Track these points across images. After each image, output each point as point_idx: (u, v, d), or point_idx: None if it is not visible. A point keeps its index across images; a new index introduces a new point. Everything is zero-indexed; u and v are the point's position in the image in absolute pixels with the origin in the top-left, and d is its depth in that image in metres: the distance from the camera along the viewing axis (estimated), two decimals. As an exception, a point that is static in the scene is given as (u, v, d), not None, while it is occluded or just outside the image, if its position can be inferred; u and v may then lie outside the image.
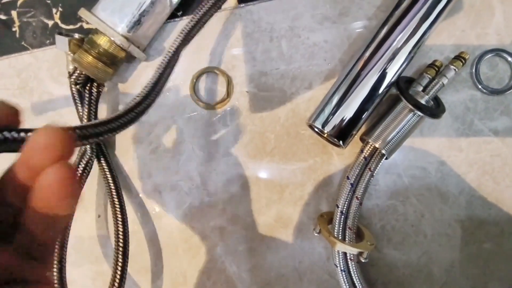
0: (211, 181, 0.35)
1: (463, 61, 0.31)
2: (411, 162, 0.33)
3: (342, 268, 0.31)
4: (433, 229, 0.33)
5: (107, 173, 0.34)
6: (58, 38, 0.31)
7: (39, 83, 0.37)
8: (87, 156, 0.32)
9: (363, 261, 0.31)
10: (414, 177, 0.33)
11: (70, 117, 0.36)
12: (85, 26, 0.36)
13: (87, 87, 0.32)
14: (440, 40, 0.33)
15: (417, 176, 0.33)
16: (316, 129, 0.33)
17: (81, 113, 0.32)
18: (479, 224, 0.32)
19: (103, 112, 0.36)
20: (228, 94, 0.34)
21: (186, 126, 0.35)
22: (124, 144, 0.36)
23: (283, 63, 0.35)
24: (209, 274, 0.36)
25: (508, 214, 0.32)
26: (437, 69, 0.32)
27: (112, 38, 0.29)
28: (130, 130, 0.36)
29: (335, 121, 0.30)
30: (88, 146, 0.32)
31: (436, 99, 0.32)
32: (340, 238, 0.31)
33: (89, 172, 0.33)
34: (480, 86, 0.33)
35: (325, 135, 0.33)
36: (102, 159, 0.34)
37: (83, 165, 0.32)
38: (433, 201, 0.33)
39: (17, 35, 0.37)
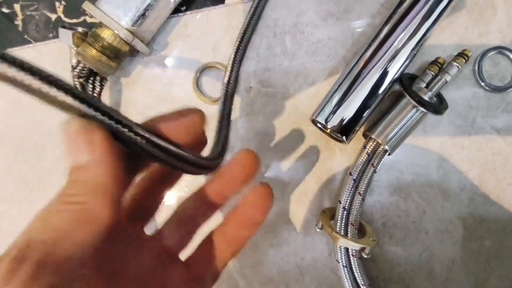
0: (214, 176, 0.35)
1: (466, 58, 0.31)
2: (413, 159, 0.33)
3: (344, 264, 0.31)
4: (434, 226, 0.33)
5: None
6: (61, 31, 0.31)
7: (42, 77, 0.37)
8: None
9: (365, 257, 0.31)
10: (416, 174, 0.33)
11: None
12: (89, 20, 0.36)
13: (90, 81, 0.32)
14: (443, 37, 0.33)
15: (419, 173, 0.33)
16: (319, 125, 0.33)
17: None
18: (480, 222, 0.33)
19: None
20: (232, 89, 0.34)
21: (189, 121, 0.35)
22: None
23: (287, 59, 0.35)
24: (211, 269, 0.36)
25: (509, 211, 0.32)
26: (440, 66, 0.32)
27: (116, 32, 0.29)
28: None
29: (338, 116, 0.30)
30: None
31: (439, 96, 0.32)
32: (342, 233, 0.31)
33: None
34: (482, 84, 0.33)
35: (328, 131, 0.33)
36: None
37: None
38: (435, 198, 0.33)
39: (20, 29, 0.37)
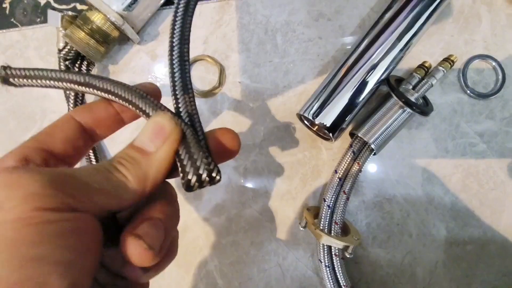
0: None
1: (451, 64, 0.32)
2: (398, 160, 0.33)
3: (327, 264, 0.31)
4: (418, 228, 0.33)
5: (91, 156, 0.33)
6: (50, 13, 0.30)
7: (26, 61, 0.36)
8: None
9: (348, 256, 0.30)
10: (400, 176, 0.33)
11: (55, 94, 0.35)
12: (79, 7, 0.35)
13: (77, 65, 0.31)
14: (430, 43, 0.34)
15: (404, 174, 0.33)
16: (306, 121, 0.33)
17: (68, 92, 0.31)
18: (463, 226, 0.33)
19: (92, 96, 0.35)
20: (220, 83, 0.34)
21: (175, 113, 0.35)
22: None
23: (277, 56, 0.35)
24: (188, 267, 0.34)
25: (491, 217, 0.33)
26: (426, 69, 0.32)
27: (107, 15, 0.29)
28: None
29: (325, 113, 0.30)
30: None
31: (425, 99, 0.33)
32: (326, 231, 0.30)
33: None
34: (467, 90, 0.33)
35: (315, 128, 0.33)
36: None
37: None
38: (419, 201, 0.33)
39: (7, 12, 0.37)
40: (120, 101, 0.17)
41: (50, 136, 0.17)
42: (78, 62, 0.31)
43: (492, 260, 0.32)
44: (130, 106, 0.17)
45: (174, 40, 0.18)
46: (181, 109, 0.17)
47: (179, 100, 0.17)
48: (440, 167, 0.33)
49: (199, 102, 0.35)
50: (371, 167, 0.34)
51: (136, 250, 0.14)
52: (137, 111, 0.17)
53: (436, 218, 0.33)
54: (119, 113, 0.19)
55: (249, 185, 0.34)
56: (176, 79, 0.18)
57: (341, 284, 0.30)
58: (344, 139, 0.33)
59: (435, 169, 0.33)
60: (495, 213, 0.33)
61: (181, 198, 0.35)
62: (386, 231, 0.33)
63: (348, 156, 0.31)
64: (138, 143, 0.16)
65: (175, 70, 0.18)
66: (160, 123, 0.16)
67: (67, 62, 0.31)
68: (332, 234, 0.30)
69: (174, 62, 0.18)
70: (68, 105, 0.32)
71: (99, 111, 0.18)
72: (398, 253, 0.33)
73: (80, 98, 0.31)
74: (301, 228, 0.32)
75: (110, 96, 0.17)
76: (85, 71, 0.31)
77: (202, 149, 0.17)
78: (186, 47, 0.18)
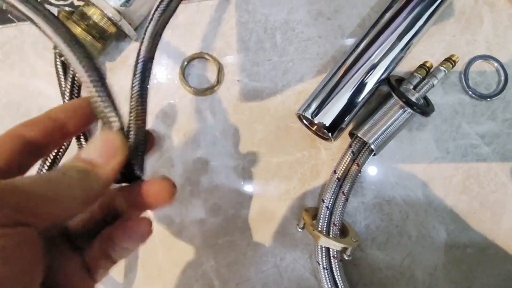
0: (194, 169, 0.34)
1: (453, 64, 0.32)
2: (398, 162, 0.33)
3: (325, 266, 0.30)
4: (417, 230, 0.32)
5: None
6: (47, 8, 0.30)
7: (22, 57, 0.35)
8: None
9: (346, 258, 0.30)
10: (400, 177, 0.33)
11: (52, 92, 0.35)
12: (76, 2, 0.35)
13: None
14: (431, 43, 0.33)
15: (404, 176, 0.33)
16: (305, 121, 0.33)
17: (64, 88, 0.31)
18: (463, 229, 0.32)
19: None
20: (218, 81, 0.34)
21: (173, 111, 0.34)
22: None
23: (276, 55, 0.34)
24: (185, 268, 0.34)
25: (491, 219, 0.32)
26: (427, 69, 0.32)
27: (104, 11, 0.29)
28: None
29: (325, 112, 0.30)
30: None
31: (426, 99, 0.32)
32: (324, 233, 0.30)
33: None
34: (469, 91, 0.33)
35: (314, 128, 0.32)
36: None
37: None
38: (418, 202, 0.33)
39: (3, 7, 0.36)
40: (94, 91, 0.17)
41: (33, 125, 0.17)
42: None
43: (492, 263, 0.32)
44: (99, 101, 0.17)
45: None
46: (131, 121, 0.17)
47: (132, 111, 0.18)
48: (441, 168, 0.33)
49: (198, 100, 0.34)
50: (371, 168, 0.33)
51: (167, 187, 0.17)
52: (99, 108, 0.17)
53: (436, 220, 0.32)
54: (65, 125, 0.18)
55: (247, 185, 0.34)
56: (134, 90, 0.18)
57: (339, 286, 0.30)
58: (344, 139, 0.33)
59: (435, 170, 0.33)
60: (495, 216, 0.32)
61: (179, 198, 0.34)
62: (385, 233, 0.33)
63: (347, 156, 0.31)
64: (86, 156, 0.16)
65: (135, 81, 0.18)
66: (110, 140, 0.17)
67: (63, 58, 0.30)
68: (331, 235, 0.30)
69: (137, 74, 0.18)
70: (64, 101, 0.32)
71: (44, 128, 0.18)
72: (397, 255, 0.32)
73: (76, 94, 0.31)
74: (299, 229, 0.32)
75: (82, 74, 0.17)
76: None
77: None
78: (150, 64, 0.18)
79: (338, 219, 0.30)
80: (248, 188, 0.34)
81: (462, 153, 0.33)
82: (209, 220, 0.34)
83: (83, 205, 0.15)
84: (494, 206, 0.32)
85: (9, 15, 0.36)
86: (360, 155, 0.31)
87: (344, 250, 0.30)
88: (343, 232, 0.31)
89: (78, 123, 0.18)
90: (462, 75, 0.33)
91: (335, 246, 0.29)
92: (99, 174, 0.16)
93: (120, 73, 0.34)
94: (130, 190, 0.18)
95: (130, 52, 0.34)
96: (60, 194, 0.14)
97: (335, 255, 0.30)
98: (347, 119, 0.31)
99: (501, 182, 0.32)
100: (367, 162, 0.31)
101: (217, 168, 0.34)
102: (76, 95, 0.31)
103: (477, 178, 0.32)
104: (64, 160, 0.32)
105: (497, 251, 0.32)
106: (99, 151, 0.16)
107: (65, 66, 0.31)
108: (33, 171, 0.19)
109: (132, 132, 0.17)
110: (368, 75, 0.30)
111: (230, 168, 0.34)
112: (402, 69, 0.33)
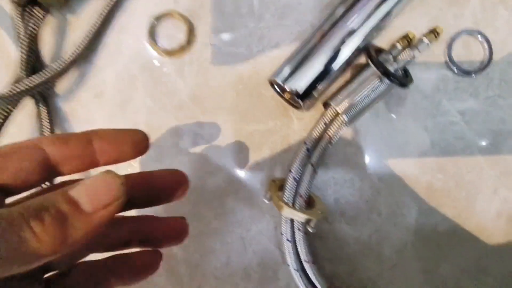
0: (160, 134, 0.33)
1: (437, 35, 0.30)
2: (373, 136, 0.32)
3: (288, 238, 0.29)
4: (388, 207, 0.31)
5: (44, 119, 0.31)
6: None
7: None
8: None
9: (310, 231, 0.29)
10: (375, 152, 0.31)
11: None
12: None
13: (27, 9, 0.28)
14: (415, 16, 0.32)
15: (379, 151, 0.31)
16: (277, 87, 0.31)
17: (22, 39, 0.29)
18: (436, 206, 0.31)
19: (47, 46, 0.33)
20: (189, 42, 0.32)
21: (139, 73, 0.33)
22: (66, 84, 0.33)
23: (252, 20, 0.33)
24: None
25: (465, 199, 0.31)
26: (409, 40, 0.30)
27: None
28: (75, 70, 0.33)
29: (296, 78, 0.29)
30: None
31: (405, 71, 0.31)
32: (289, 204, 0.29)
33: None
34: (452, 66, 0.31)
35: (286, 95, 0.31)
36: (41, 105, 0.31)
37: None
38: (391, 179, 0.31)
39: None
40: None
41: (3, 161, 0.14)
42: (29, 7, 0.28)
43: (464, 244, 0.31)
44: None
45: None
46: None
47: None
48: (417, 145, 0.31)
49: (166, 62, 0.33)
50: (344, 141, 0.32)
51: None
52: None
53: (409, 198, 0.31)
54: (96, 153, 0.16)
55: (214, 153, 0.32)
56: None
57: (302, 259, 0.29)
58: (317, 110, 0.32)
59: (411, 147, 0.31)
60: (470, 196, 0.31)
61: (139, 163, 0.33)
62: (355, 208, 0.31)
63: (319, 127, 0.30)
64: (74, 195, 0.14)
65: None
66: (109, 184, 0.14)
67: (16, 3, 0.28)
68: (296, 207, 0.29)
69: None
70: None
71: (75, 148, 0.16)
72: (366, 230, 0.31)
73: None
74: (266, 201, 0.31)
75: None
76: (39, 17, 0.29)
77: None
78: None
79: (304, 190, 0.29)
80: (215, 157, 0.32)
81: (440, 130, 0.31)
82: (175, 188, 0.33)
83: (44, 260, 0.13)
84: (469, 186, 0.31)
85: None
86: (332, 126, 0.29)
87: (308, 221, 0.28)
88: (310, 204, 0.30)
89: (113, 159, 0.17)
90: (446, 50, 0.32)
91: (299, 217, 0.28)
92: (81, 222, 0.13)
93: (83, 30, 0.32)
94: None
95: (95, 7, 0.32)
96: (14, 249, 0.12)
97: (300, 228, 0.29)
98: (320, 87, 0.29)
99: (477, 162, 0.31)
100: (340, 134, 0.30)
101: (183, 134, 0.32)
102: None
103: (454, 157, 0.31)
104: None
105: (469, 231, 0.31)
106: (90, 194, 0.14)
107: (22, 15, 0.29)
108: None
109: None
110: (345, 42, 0.29)
111: (198, 135, 0.32)
112: (383, 42, 0.32)
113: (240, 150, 0.32)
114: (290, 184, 0.29)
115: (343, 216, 0.31)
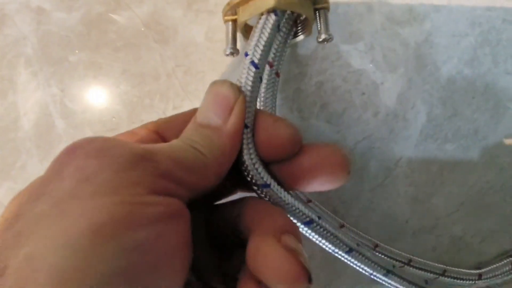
0: None
1: None
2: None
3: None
4: (388, 106, 0.21)
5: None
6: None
7: None
8: None
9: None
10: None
11: None
12: None
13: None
14: None
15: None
16: None
17: None
18: (450, 116, 0.22)
19: None
20: None
21: None
22: None
23: None
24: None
25: (491, 110, 0.22)
26: None
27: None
28: None
29: None
30: None
31: None
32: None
33: None
34: None
35: None
36: None
37: None
38: (404, 64, 0.21)
39: None
40: None
41: (168, 124, 0.15)
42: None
43: (469, 170, 0.23)
44: None
45: None
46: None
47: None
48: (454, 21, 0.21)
49: None
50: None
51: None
52: None
53: (419, 96, 0.21)
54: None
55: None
56: None
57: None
58: None
59: (438, 21, 0.21)
60: (498, 107, 0.22)
61: None
62: (344, 100, 0.21)
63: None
64: (202, 120, 0.13)
65: None
66: (221, 94, 0.14)
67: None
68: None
69: None
70: None
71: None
72: (351, 135, 0.22)
73: None
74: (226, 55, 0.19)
75: None
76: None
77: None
78: None
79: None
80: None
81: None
82: (58, 16, 0.19)
83: (218, 175, 0.13)
84: (503, 95, 0.22)
85: None
86: None
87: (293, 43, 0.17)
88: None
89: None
90: None
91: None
92: (222, 136, 0.13)
93: None
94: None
95: None
96: (200, 165, 0.12)
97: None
98: None
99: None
100: None
101: None
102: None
103: (494, 49, 0.21)
104: None
105: (480, 156, 0.23)
106: (212, 110, 0.13)
107: None
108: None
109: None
110: None
111: None
112: None
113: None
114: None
115: (324, 108, 0.21)
